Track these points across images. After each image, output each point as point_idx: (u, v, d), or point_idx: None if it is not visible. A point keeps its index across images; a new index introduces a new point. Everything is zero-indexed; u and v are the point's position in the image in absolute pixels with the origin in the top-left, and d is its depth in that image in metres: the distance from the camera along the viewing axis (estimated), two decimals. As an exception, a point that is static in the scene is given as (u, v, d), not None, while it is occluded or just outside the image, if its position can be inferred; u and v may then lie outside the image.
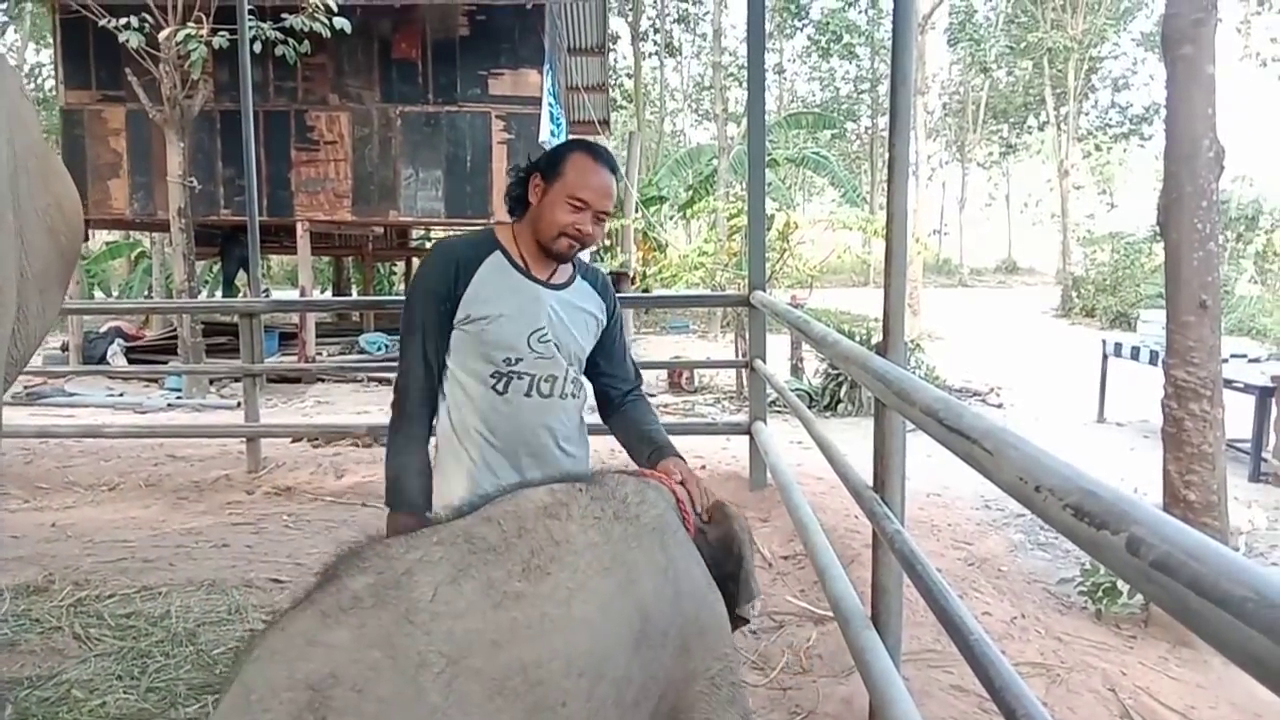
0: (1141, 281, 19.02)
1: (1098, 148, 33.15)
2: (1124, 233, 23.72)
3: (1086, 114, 31.25)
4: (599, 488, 1.73)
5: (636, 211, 17.39)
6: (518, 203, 2.22)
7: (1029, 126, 35.14)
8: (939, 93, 33.89)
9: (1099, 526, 1.13)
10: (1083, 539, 1.18)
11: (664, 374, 11.09)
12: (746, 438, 5.37)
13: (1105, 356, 9.15)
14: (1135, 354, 8.69)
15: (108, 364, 11.36)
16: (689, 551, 1.80)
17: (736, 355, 10.38)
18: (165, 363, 10.86)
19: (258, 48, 8.47)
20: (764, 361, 5.33)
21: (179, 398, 10.25)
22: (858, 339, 8.68)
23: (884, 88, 31.65)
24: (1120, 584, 3.90)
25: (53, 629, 3.40)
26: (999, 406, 9.83)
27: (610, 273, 15.86)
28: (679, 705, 1.68)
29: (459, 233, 2.56)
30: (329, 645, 1.29)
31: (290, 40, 9.40)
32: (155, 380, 10.97)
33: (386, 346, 12.39)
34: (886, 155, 2.67)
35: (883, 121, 32.84)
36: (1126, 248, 21.07)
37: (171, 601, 3.66)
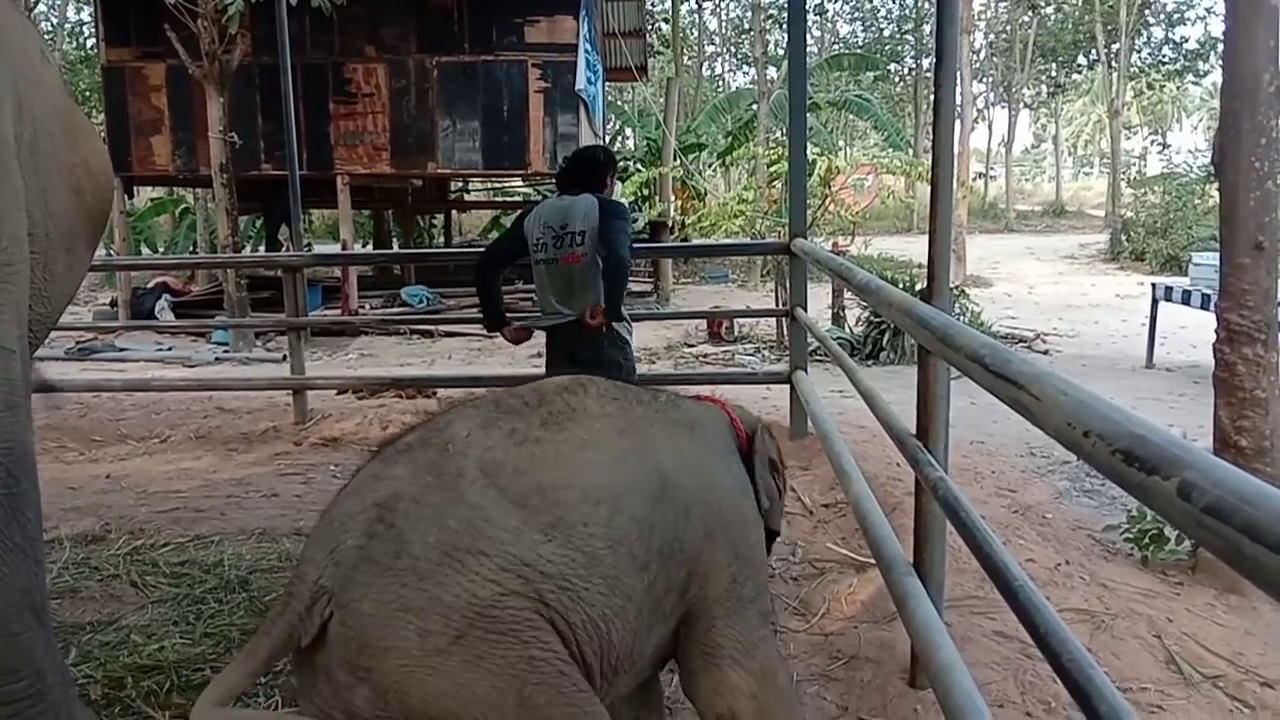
0: (1194, 224, 18.47)
1: (1150, 86, 32.07)
2: (1176, 174, 23.05)
3: (1139, 50, 30.21)
4: (637, 389, 2.02)
5: (675, 160, 17.21)
6: (598, 185, 3.90)
7: (1078, 65, 34.09)
8: (985, 31, 32.94)
9: (1150, 472, 1.11)
10: (1132, 485, 1.16)
11: (704, 323, 11.05)
12: (787, 387, 5.35)
13: (1155, 301, 8.94)
14: (1186, 298, 8.48)
15: (156, 319, 11.57)
16: (727, 457, 2.01)
17: (777, 304, 10.29)
18: (212, 317, 11.03)
19: (294, 0, 8.45)
20: (805, 310, 5.28)
21: (226, 351, 10.42)
22: (901, 286, 8.57)
23: (929, 27, 30.86)
24: (1167, 530, 3.85)
25: (111, 576, 3.50)
26: (1045, 353, 9.68)
27: (648, 223, 15.76)
28: (707, 594, 1.86)
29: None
30: (390, 477, 1.67)
31: (326, -8, 9.36)
32: (203, 334, 11.15)
33: (428, 299, 12.45)
34: (931, 97, 2.61)
35: (927, 62, 32.06)
36: (1179, 189, 20.44)
37: (224, 550, 3.75)
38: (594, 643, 1.66)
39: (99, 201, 2.60)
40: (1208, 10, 28.49)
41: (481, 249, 4.97)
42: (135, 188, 14.43)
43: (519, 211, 4.48)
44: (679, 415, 1.98)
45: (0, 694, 2.10)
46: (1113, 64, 28.00)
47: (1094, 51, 29.97)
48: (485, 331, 5.13)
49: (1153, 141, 39.31)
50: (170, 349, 10.59)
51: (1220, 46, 3.78)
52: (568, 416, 1.80)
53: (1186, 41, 29.99)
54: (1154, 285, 9.28)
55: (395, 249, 17.89)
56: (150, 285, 12.61)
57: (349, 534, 1.58)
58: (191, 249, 18.80)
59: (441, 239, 20.10)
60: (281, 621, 1.56)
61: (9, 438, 2.10)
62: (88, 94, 20.13)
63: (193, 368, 9.65)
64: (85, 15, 24.35)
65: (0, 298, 2.20)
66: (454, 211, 20.85)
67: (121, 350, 10.26)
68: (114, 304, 12.78)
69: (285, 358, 7.41)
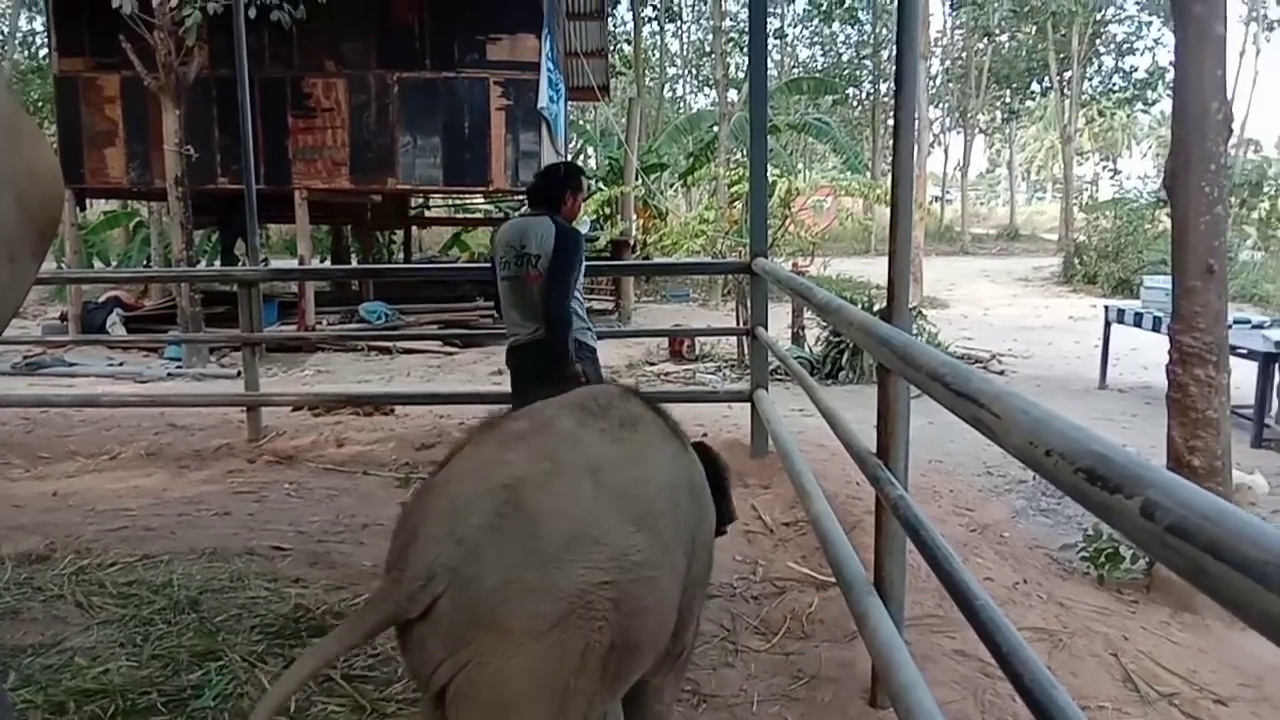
0: (1144, 248, 18.89)
1: (1101, 113, 32.83)
2: (1127, 199, 23.56)
3: (1090, 79, 30.91)
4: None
5: (637, 179, 17.26)
6: (555, 203, 3.92)
7: (1032, 92, 34.75)
8: (941, 57, 33.54)
9: (1112, 490, 1.11)
10: (1095, 504, 1.16)
11: (665, 342, 11.06)
12: (748, 405, 5.36)
13: (1108, 323, 9.11)
14: (1138, 320, 8.65)
15: (107, 333, 11.33)
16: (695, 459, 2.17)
17: (738, 323, 10.33)
18: (165, 332, 10.83)
19: (253, 13, 8.36)
20: (765, 329, 5.30)
21: (179, 367, 10.23)
22: (860, 306, 8.64)
23: (886, 53, 31.34)
24: (1123, 549, 3.91)
25: (55, 597, 3.40)
26: (1001, 374, 9.81)
27: (610, 241, 15.78)
28: (686, 583, 1.96)
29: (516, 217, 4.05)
30: (510, 461, 1.73)
31: (285, 5, 9.27)
32: (155, 349, 10.94)
33: (386, 315, 12.33)
34: (889, 121, 2.64)
35: (885, 87, 32.52)
36: (1129, 214, 20.90)
37: (173, 569, 3.66)
38: (646, 629, 1.77)
39: (46, 209, 2.52)
40: (1155, 41, 29.11)
41: (442, 264, 4.98)
42: (88, 200, 14.16)
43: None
44: (669, 425, 2.14)
45: None
46: (1065, 91, 28.63)
47: (1047, 79, 30.59)
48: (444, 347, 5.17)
49: (1104, 167, 40.22)
50: (122, 364, 10.37)
51: (1168, 76, 3.86)
52: (632, 421, 1.96)
53: (1136, 71, 30.73)
54: (1106, 308, 9.46)
55: (354, 265, 17.72)
56: (102, 299, 12.36)
57: (473, 514, 1.63)
58: (145, 263, 18.47)
59: (401, 255, 19.95)
60: (394, 595, 1.59)
61: None
62: (39, 104, 19.74)
63: (144, 383, 9.46)
64: (38, 24, 23.93)
65: None
66: (414, 228, 20.72)
67: (71, 365, 10.03)
68: (64, 318, 12.50)
69: (239, 374, 7.29)
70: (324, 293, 14.45)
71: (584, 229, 12.73)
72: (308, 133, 11.85)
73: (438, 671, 1.58)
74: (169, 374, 9.94)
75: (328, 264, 18.40)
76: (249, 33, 7.06)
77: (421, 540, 1.63)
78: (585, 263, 4.00)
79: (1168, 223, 4.24)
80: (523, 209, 4.07)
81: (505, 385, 4.13)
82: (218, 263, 16.47)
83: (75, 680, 2.76)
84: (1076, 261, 20.92)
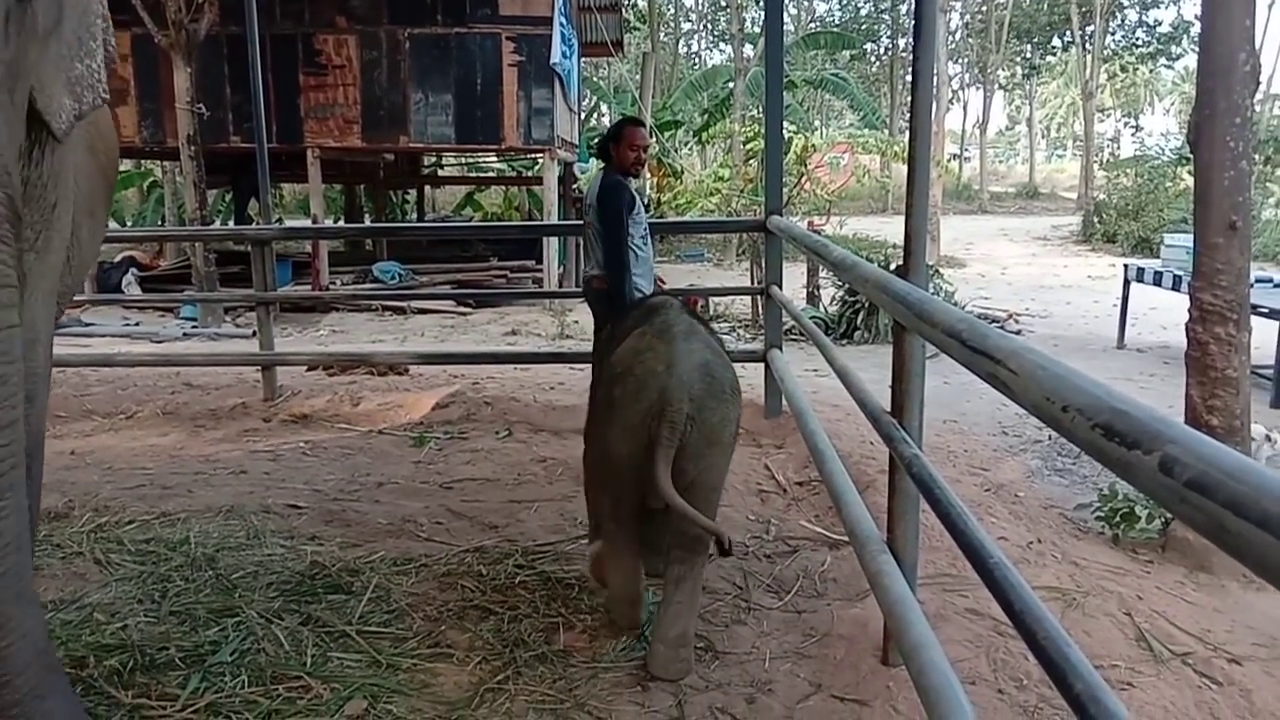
0: (1165, 206, 18.64)
1: (1123, 69, 32.31)
2: (1149, 156, 23.21)
3: (1113, 33, 30.38)
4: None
5: (651, 137, 17.10)
6: (607, 156, 4.13)
7: (1053, 47, 34.22)
8: (961, 11, 32.96)
9: (1130, 446, 1.09)
10: (1112, 460, 1.14)
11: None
12: (762, 365, 5.33)
13: (1127, 282, 9.01)
14: (1158, 279, 8.54)
15: (122, 293, 11.37)
16: None
17: (752, 282, 10.27)
18: (180, 292, 10.86)
19: (262, -32, 8.26)
20: (780, 288, 5.26)
21: (194, 327, 10.28)
22: (876, 264, 8.56)
23: (905, 7, 30.82)
24: (1138, 509, 3.88)
25: (74, 554, 3.44)
26: (1018, 333, 9.74)
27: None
28: None
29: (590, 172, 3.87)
30: (694, 350, 2.73)
31: (295, -40, 9.17)
32: (170, 309, 10.99)
33: (400, 275, 12.33)
34: (907, 76, 2.59)
35: (903, 42, 32.04)
36: (1151, 172, 20.62)
37: (190, 527, 3.69)
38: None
39: (110, 160, 2.49)
40: (1181, -7, 28.58)
41: (455, 224, 5.07)
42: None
43: None
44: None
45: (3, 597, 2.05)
46: (1087, 46, 28.13)
47: (1068, 34, 30.08)
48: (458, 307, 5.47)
49: (1126, 124, 39.65)
50: (137, 324, 10.42)
51: (1194, 30, 3.77)
52: (696, 331, 2.86)
53: (1160, 25, 30.20)
54: (1126, 266, 9.35)
55: (367, 224, 17.70)
56: (117, 259, 12.39)
57: (694, 384, 2.63)
58: (159, 223, 18.50)
59: (414, 214, 19.91)
60: (674, 435, 2.57)
61: (32, 432, 2.05)
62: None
63: (160, 343, 9.50)
64: (49, -17, 23.74)
65: (36, 280, 2.08)
66: (427, 187, 20.64)
67: (87, 325, 10.08)
68: (79, 278, 12.53)
69: (254, 334, 7.30)
70: (338, 252, 14.45)
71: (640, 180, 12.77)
72: (319, 90, 11.76)
73: (687, 475, 2.62)
74: (184, 334, 9.98)
75: (341, 223, 18.39)
76: (258, -12, 6.97)
77: (674, 403, 2.58)
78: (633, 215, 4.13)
79: (1190, 181, 4.17)
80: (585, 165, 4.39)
81: (518, 345, 4.12)
82: (231, 222, 16.49)
83: (95, 636, 2.80)
84: (1096, 220, 20.69)
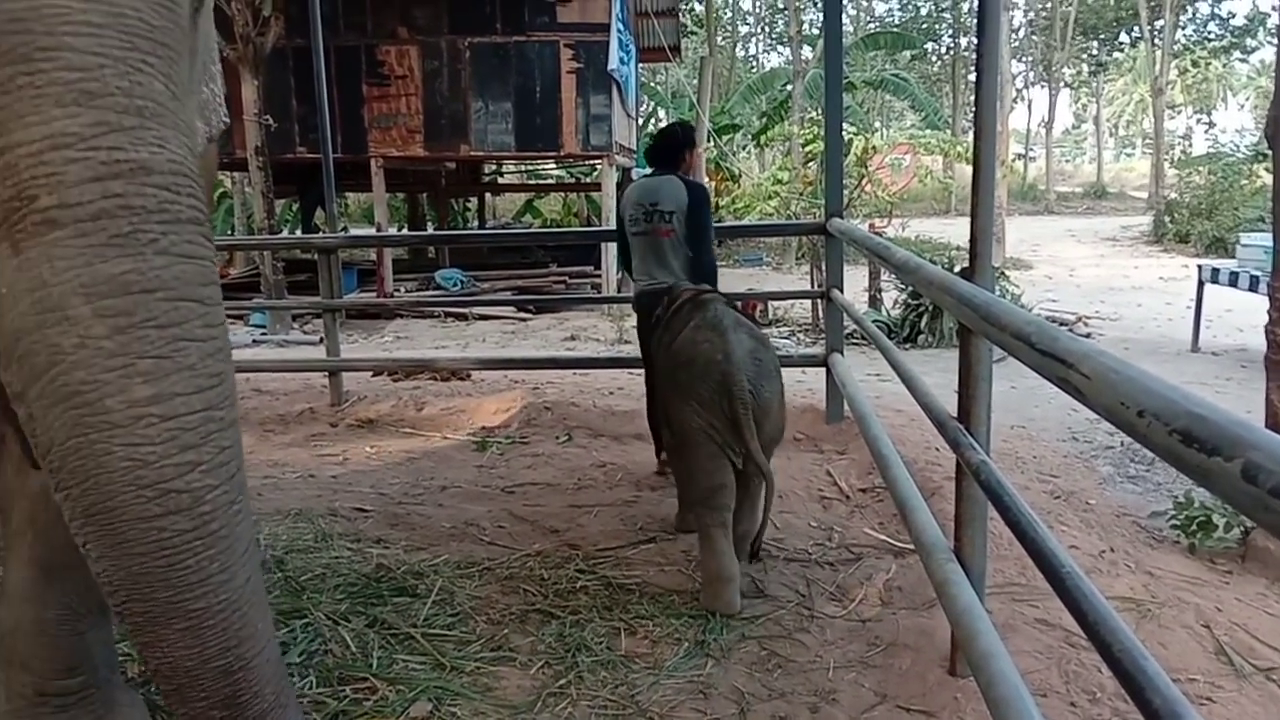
0: (1241, 205, 18.04)
1: (1195, 63, 31.42)
2: (1223, 153, 22.52)
3: (1183, 27, 29.60)
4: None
5: (709, 141, 17.08)
6: (676, 162, 4.22)
7: (1120, 43, 33.46)
8: (1024, 9, 32.36)
9: (1210, 453, 1.06)
10: (1191, 467, 1.10)
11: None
12: (823, 370, 5.28)
13: (1201, 283, 8.73)
14: (1234, 280, 8.27)
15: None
16: None
17: (812, 286, 10.19)
18: (249, 299, 11.13)
19: (327, -18, 8.45)
20: (841, 292, 5.21)
21: (263, 334, 10.52)
22: (940, 267, 8.43)
23: (967, 5, 30.37)
24: (1215, 517, 3.76)
25: (149, 555, 3.52)
26: (1087, 336, 9.51)
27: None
28: None
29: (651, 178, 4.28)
30: (742, 339, 3.23)
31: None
32: (240, 317, 11.26)
33: (462, 282, 12.48)
34: (969, 76, 2.54)
35: (965, 41, 31.56)
36: (1225, 169, 19.99)
37: (260, 530, 3.76)
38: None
39: (211, 171, 2.55)
40: (1257, -16, 27.71)
41: (515, 231, 5.10)
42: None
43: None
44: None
45: (55, 688, 2.12)
46: (1156, 41, 27.43)
47: (1137, 29, 29.37)
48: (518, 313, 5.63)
49: (1198, 120, 38.53)
50: (208, 331, 10.67)
51: (1270, 20, 3.64)
52: (742, 324, 3.35)
53: (1234, 17, 29.42)
54: (1200, 267, 9.06)
55: (429, 232, 17.95)
56: (188, 268, 12.71)
57: (749, 367, 3.13)
58: (229, 232, 18.97)
59: (475, 222, 20.14)
60: (747, 408, 3.08)
61: None
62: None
63: (230, 349, 9.73)
64: None
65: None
66: (487, 194, 20.87)
67: (161, 333, 10.35)
68: (153, 287, 12.88)
69: (321, 340, 7.45)
70: (401, 260, 14.69)
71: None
72: (382, 100, 11.98)
73: (753, 440, 3.10)
74: (254, 340, 10.22)
75: (405, 231, 18.68)
76: (323, 1, 7.13)
77: (736, 384, 3.07)
78: None
79: (1267, 178, 4.02)
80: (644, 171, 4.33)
81: (577, 350, 4.12)
82: (299, 231, 16.84)
83: (169, 635, 2.86)
84: (1168, 220, 20.12)
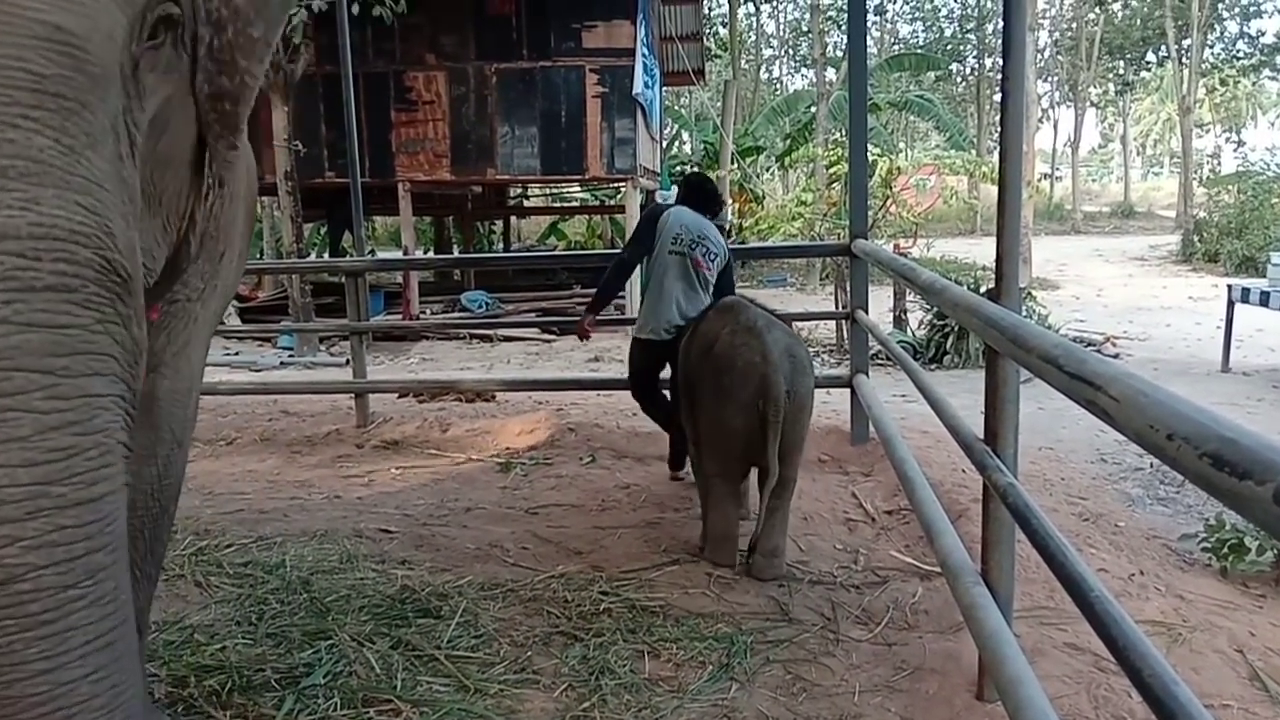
0: (1271, 223, 17.84)
1: (1223, 82, 31.17)
2: (1252, 172, 22.29)
3: (1211, 46, 29.40)
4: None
5: (732, 163, 17.12)
6: (714, 212, 4.57)
7: (1147, 62, 33.26)
8: (1050, 29, 32.28)
9: (1242, 476, 1.04)
10: (1222, 490, 1.09)
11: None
12: (848, 391, 5.26)
13: (1231, 303, 8.62)
14: (1265, 299, 8.17)
15: (223, 324, 11.80)
16: None
17: (836, 307, 10.17)
18: (277, 322, 11.24)
19: (356, 9, 8.58)
20: (866, 312, 5.19)
21: (291, 356, 10.61)
22: (966, 287, 8.39)
23: (991, 26, 30.35)
24: (1248, 540, 3.70)
25: (176, 576, 3.56)
26: (1115, 357, 9.41)
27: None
28: None
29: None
30: (777, 338, 3.54)
31: (387, 1, 9.48)
32: (268, 339, 11.37)
33: (487, 304, 12.55)
34: (994, 96, 2.55)
35: (990, 62, 31.52)
36: (1255, 188, 19.78)
37: (286, 551, 3.79)
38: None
39: (253, 194, 2.56)
40: (1285, 2, 27.54)
41: (540, 253, 5.14)
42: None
43: (646, 212, 4.88)
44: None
45: (81, 708, 2.14)
46: (1184, 60, 27.24)
47: (1164, 48, 29.19)
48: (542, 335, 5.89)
49: (1226, 139, 38.19)
50: (237, 353, 10.81)
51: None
52: (775, 325, 3.65)
53: (1263, 35, 29.15)
54: (1230, 286, 8.96)
55: (455, 255, 18.09)
56: (218, 291, 12.86)
57: (784, 365, 3.42)
58: (258, 256, 19.20)
59: (500, 244, 20.27)
60: (779, 412, 3.36)
61: (175, 475, 2.14)
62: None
63: (258, 372, 9.84)
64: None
65: (201, 329, 2.16)
66: (513, 218, 21.01)
67: (190, 355, 10.48)
68: (183, 310, 13.04)
69: (348, 362, 7.51)
70: (427, 282, 14.79)
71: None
72: (410, 126, 12.10)
73: (788, 438, 3.43)
74: (281, 362, 10.32)
75: (431, 254, 18.83)
76: (352, 29, 7.25)
77: (774, 388, 3.36)
78: None
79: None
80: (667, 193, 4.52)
81: (600, 371, 4.15)
82: (327, 254, 17.02)
83: (195, 656, 2.89)
84: (1196, 239, 19.93)
